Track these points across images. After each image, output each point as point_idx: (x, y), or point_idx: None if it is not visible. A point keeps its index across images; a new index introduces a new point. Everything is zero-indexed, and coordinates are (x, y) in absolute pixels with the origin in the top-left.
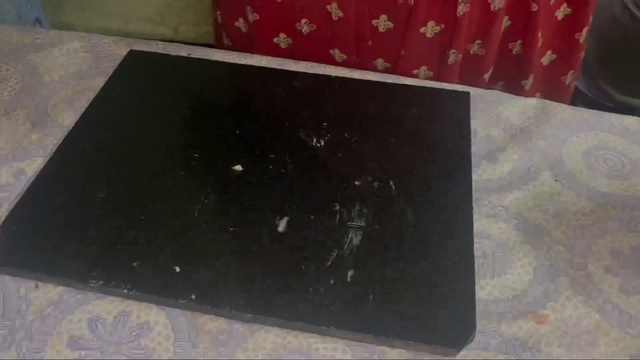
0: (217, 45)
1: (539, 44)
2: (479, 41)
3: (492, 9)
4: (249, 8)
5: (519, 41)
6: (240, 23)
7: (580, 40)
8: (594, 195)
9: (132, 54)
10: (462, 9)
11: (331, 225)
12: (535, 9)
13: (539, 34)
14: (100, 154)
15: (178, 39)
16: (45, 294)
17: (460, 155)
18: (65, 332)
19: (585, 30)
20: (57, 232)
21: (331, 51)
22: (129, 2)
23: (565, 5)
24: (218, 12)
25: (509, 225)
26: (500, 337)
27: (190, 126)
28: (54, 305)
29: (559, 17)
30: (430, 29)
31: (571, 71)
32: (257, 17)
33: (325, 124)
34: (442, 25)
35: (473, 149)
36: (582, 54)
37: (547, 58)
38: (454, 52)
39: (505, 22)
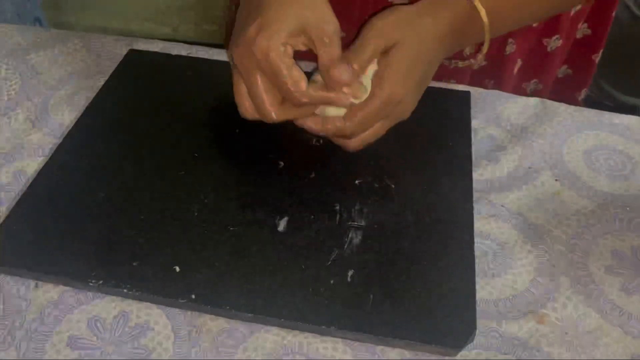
0: (226, 42)
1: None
2: (492, 81)
3: (504, 53)
4: None
5: (534, 80)
6: None
7: (596, 62)
8: (595, 195)
9: (132, 53)
10: (468, 51)
11: (331, 225)
12: (554, 49)
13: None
14: (100, 154)
15: (178, 38)
16: (45, 294)
17: (461, 154)
18: (65, 331)
19: (600, 52)
20: (57, 232)
21: None
22: (129, 2)
23: (585, 25)
24: (233, 8)
25: (509, 225)
26: (500, 337)
27: (190, 126)
28: (54, 305)
29: (578, 36)
30: None
31: (584, 89)
32: None
33: None
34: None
35: (473, 148)
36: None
37: (562, 71)
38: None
39: (518, 63)
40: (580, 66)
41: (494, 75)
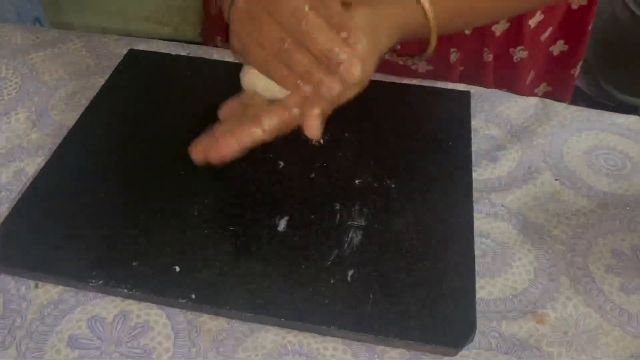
0: (205, 41)
1: (528, 82)
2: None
3: (483, 59)
4: None
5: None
6: None
7: (575, 75)
8: (595, 195)
9: (132, 53)
10: (454, 57)
11: (331, 225)
12: (519, 59)
13: (527, 80)
14: (100, 154)
15: (178, 38)
16: (45, 294)
17: (461, 154)
18: (65, 331)
19: (579, 65)
20: (57, 232)
21: None
22: (128, 2)
23: (562, 42)
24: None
25: (509, 224)
26: (500, 337)
27: (190, 126)
28: (54, 305)
29: (555, 53)
30: (422, 66)
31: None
32: None
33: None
34: (431, 66)
35: (473, 148)
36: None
37: (540, 89)
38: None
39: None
40: (559, 82)
41: (475, 82)
